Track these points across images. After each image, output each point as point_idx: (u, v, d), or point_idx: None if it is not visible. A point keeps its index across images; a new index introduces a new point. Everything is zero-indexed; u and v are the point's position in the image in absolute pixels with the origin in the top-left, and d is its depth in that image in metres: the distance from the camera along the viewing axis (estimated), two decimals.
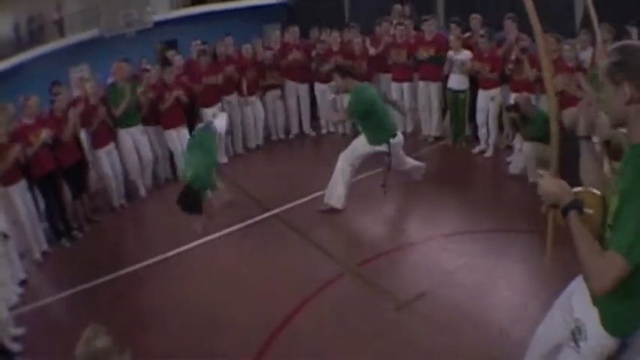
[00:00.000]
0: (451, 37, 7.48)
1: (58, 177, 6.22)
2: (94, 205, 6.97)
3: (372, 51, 8.35)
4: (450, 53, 7.43)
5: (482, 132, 7.51)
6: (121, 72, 7.15)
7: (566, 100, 5.97)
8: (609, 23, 5.92)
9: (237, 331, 4.24)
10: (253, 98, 8.63)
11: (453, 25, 7.62)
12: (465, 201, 6.27)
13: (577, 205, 1.98)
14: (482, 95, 7.26)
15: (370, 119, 5.93)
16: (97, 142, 6.83)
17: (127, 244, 6.40)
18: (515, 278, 4.64)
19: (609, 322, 2.05)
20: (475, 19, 7.63)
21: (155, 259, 5.60)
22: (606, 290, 1.84)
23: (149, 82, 7.44)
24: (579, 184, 2.20)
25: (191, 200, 5.37)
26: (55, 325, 4.79)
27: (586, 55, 6.34)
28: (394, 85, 8.41)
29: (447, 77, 7.66)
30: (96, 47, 11.47)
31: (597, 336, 2.07)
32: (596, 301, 2.09)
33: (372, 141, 5.96)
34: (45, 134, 5.84)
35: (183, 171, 5.86)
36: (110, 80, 7.37)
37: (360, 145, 6.05)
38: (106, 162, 6.87)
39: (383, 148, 5.94)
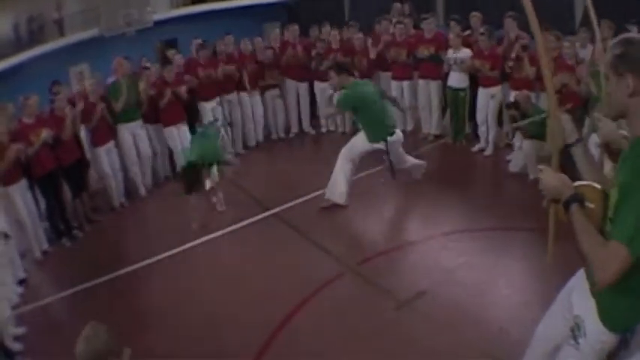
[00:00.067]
0: (451, 35, 7.47)
1: (59, 176, 6.22)
2: (94, 204, 6.97)
3: (372, 54, 8.35)
4: (449, 52, 7.42)
5: (482, 130, 7.51)
6: (122, 68, 7.16)
7: (566, 97, 5.98)
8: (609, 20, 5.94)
9: (238, 330, 4.25)
10: (253, 92, 8.64)
11: (452, 23, 7.60)
12: (464, 199, 6.27)
13: (578, 198, 1.99)
14: (483, 93, 7.26)
15: (363, 116, 5.98)
16: (97, 140, 6.83)
17: (127, 243, 6.40)
18: (515, 276, 4.65)
19: (608, 318, 2.06)
20: (475, 17, 7.62)
21: (155, 259, 5.60)
22: (610, 282, 1.85)
23: (149, 80, 7.45)
24: (580, 179, 2.20)
25: (192, 176, 5.91)
26: (55, 325, 4.80)
27: (586, 53, 6.34)
28: (394, 84, 8.41)
29: (447, 75, 7.66)
30: (96, 47, 11.46)
31: (596, 332, 2.08)
32: (596, 296, 2.09)
33: (370, 138, 5.97)
34: (45, 134, 5.84)
35: (186, 154, 6.36)
36: (111, 79, 7.37)
37: (359, 142, 6.06)
38: (105, 160, 6.87)
39: (381, 145, 5.94)
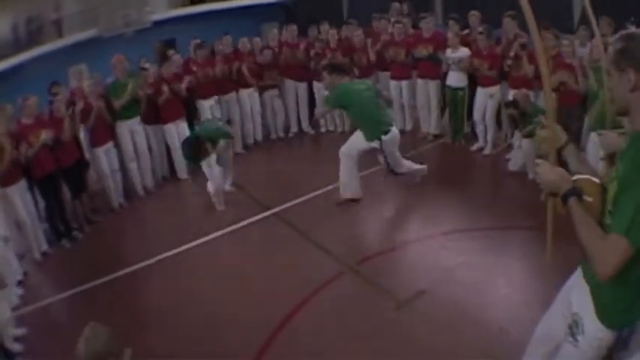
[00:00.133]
0: (449, 35, 7.47)
1: (58, 177, 6.22)
2: (93, 205, 6.97)
3: (372, 56, 8.36)
4: (448, 51, 7.42)
5: (479, 129, 7.52)
6: (121, 65, 7.17)
7: (564, 95, 5.98)
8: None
9: (237, 330, 4.25)
10: (251, 90, 8.65)
11: (451, 22, 7.60)
12: (464, 199, 6.28)
13: (576, 192, 2.00)
14: (481, 93, 7.26)
15: (354, 114, 6.05)
16: (96, 141, 6.81)
17: (126, 244, 6.40)
18: (514, 276, 4.65)
19: (606, 315, 2.07)
20: (474, 16, 7.62)
21: (155, 259, 5.60)
22: (610, 275, 1.86)
23: (147, 80, 7.45)
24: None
25: (196, 147, 6.22)
26: (55, 326, 4.80)
27: (584, 52, 6.34)
28: (393, 83, 8.42)
29: (445, 75, 7.66)
30: (94, 47, 11.44)
31: (594, 330, 2.09)
32: (594, 293, 2.10)
33: (365, 136, 5.96)
34: (45, 135, 5.84)
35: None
36: (110, 79, 7.37)
37: (356, 140, 6.05)
38: (104, 161, 6.86)
39: (375, 144, 5.93)
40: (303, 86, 8.98)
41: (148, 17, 12.27)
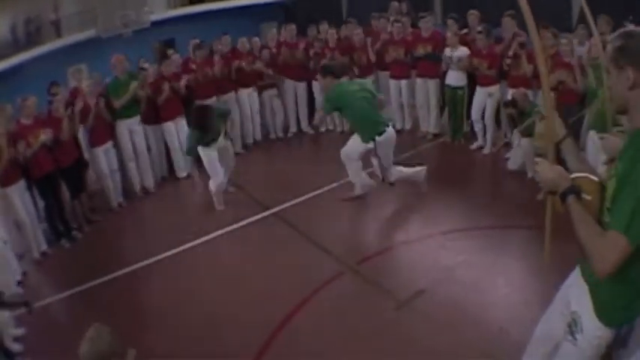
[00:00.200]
0: (448, 34, 7.47)
1: (57, 177, 6.22)
2: (92, 205, 6.96)
3: (372, 57, 8.37)
4: (447, 50, 7.43)
5: (477, 127, 7.53)
6: (121, 65, 7.18)
7: (562, 94, 5.98)
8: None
9: (237, 330, 4.25)
10: (250, 90, 8.64)
11: (450, 22, 7.60)
12: (463, 198, 6.28)
13: (575, 190, 2.01)
14: (480, 92, 7.26)
15: (349, 115, 6.01)
16: (95, 141, 6.81)
17: (126, 243, 6.39)
18: (514, 275, 4.65)
19: (604, 313, 2.07)
20: (473, 15, 7.63)
21: (154, 259, 5.60)
22: (609, 272, 1.86)
23: (146, 80, 7.45)
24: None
25: (205, 113, 6.21)
26: (55, 325, 4.80)
27: (583, 51, 6.34)
28: (392, 83, 8.43)
29: (445, 74, 7.66)
30: (93, 48, 11.43)
31: (592, 328, 2.09)
32: (592, 291, 2.10)
33: (361, 138, 5.91)
34: (44, 136, 5.84)
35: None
36: (109, 78, 7.38)
37: (353, 143, 6.01)
38: (103, 161, 6.85)
39: (371, 145, 5.86)
40: (302, 86, 8.98)
41: (146, 17, 12.26)
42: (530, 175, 6.25)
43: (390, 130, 5.92)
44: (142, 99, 7.23)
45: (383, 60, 8.39)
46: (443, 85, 7.82)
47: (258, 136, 9.07)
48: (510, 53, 6.70)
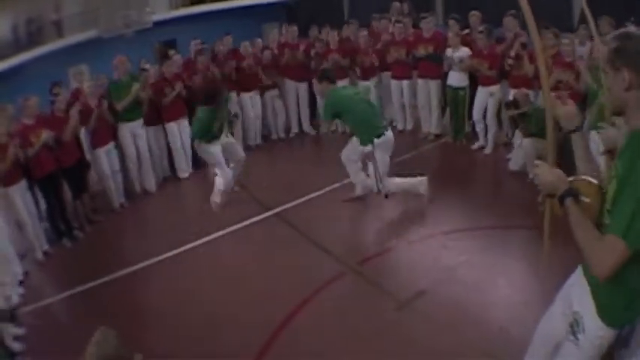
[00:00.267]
0: (450, 34, 7.48)
1: (59, 177, 6.22)
2: (94, 205, 6.97)
3: (375, 61, 8.37)
4: (448, 51, 7.43)
5: (479, 127, 7.52)
6: (124, 66, 7.18)
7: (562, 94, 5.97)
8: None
9: (238, 330, 4.24)
10: (252, 93, 8.64)
11: (451, 22, 7.60)
12: (464, 198, 6.28)
13: (573, 193, 2.01)
14: (482, 92, 7.26)
15: (348, 119, 5.94)
16: (97, 142, 6.81)
17: (127, 243, 6.39)
18: (515, 275, 4.65)
19: (606, 314, 2.06)
20: (474, 15, 7.63)
21: (155, 259, 5.60)
22: (607, 275, 1.87)
23: (148, 81, 7.45)
24: (576, 171, 2.21)
25: (216, 86, 6.24)
26: (56, 325, 4.79)
27: (584, 51, 6.34)
28: (394, 83, 8.43)
29: (446, 74, 7.66)
30: (95, 48, 11.46)
31: (595, 328, 2.09)
32: (594, 292, 2.10)
33: (360, 141, 5.84)
34: (46, 135, 5.84)
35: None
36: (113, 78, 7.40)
37: (352, 147, 5.99)
38: (105, 161, 6.85)
39: (369, 148, 5.77)
40: (303, 86, 8.99)
41: (148, 18, 12.30)
42: (531, 175, 6.25)
43: (388, 134, 5.85)
44: (143, 101, 7.23)
45: (384, 60, 8.39)
46: (444, 86, 7.82)
47: (259, 140, 9.08)
48: (512, 54, 6.70)
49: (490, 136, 7.43)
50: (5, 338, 4.23)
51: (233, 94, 8.42)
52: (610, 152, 2.43)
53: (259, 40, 9.06)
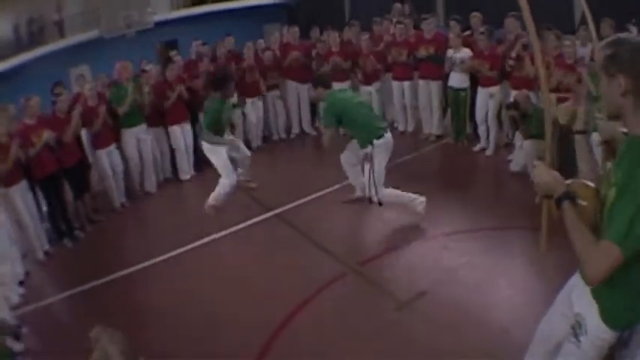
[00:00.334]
0: (451, 35, 7.48)
1: (60, 177, 6.23)
2: (95, 205, 6.98)
3: (378, 65, 8.38)
4: (450, 52, 7.43)
5: (481, 129, 7.52)
6: (126, 72, 7.17)
7: (565, 96, 5.98)
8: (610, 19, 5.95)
9: (239, 330, 4.24)
10: (255, 99, 8.65)
11: (452, 23, 7.61)
12: (465, 199, 6.28)
13: (570, 195, 2.01)
14: (482, 93, 7.26)
15: (349, 123, 5.72)
16: (99, 143, 6.83)
17: (128, 243, 6.40)
18: (516, 276, 4.64)
19: (609, 316, 2.06)
20: (475, 17, 7.63)
21: (156, 259, 5.60)
22: (599, 280, 1.87)
23: (148, 82, 7.45)
24: (576, 173, 2.22)
25: (225, 76, 6.15)
26: (57, 325, 4.80)
27: (586, 52, 6.34)
28: (395, 84, 8.44)
29: (447, 76, 7.66)
30: (96, 48, 11.49)
31: (597, 330, 2.08)
32: (596, 294, 2.10)
33: (359, 144, 5.71)
34: (47, 135, 5.85)
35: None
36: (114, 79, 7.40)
37: (353, 148, 5.96)
38: (106, 162, 6.87)
39: (368, 149, 5.62)
40: (304, 87, 8.97)
41: (149, 18, 12.32)
42: (532, 177, 6.25)
43: (388, 135, 5.67)
44: (145, 106, 7.23)
45: (386, 61, 8.39)
46: (445, 87, 7.83)
47: (259, 141, 9.08)
48: (513, 55, 6.70)
49: (491, 137, 7.43)
50: (5, 338, 4.23)
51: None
52: (606, 143, 2.43)
53: (261, 40, 9.07)
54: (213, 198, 6.25)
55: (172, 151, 7.86)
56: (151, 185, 7.56)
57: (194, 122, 7.84)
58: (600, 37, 4.13)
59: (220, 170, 6.23)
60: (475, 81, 7.37)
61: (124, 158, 7.20)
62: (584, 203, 2.04)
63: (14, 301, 5.03)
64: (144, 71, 7.86)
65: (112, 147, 6.98)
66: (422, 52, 7.86)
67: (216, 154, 6.21)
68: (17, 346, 4.35)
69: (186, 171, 7.91)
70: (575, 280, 2.33)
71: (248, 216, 6.29)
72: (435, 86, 7.99)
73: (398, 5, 9.31)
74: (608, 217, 1.93)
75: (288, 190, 6.88)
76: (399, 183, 6.40)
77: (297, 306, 4.45)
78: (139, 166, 7.35)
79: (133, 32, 12.08)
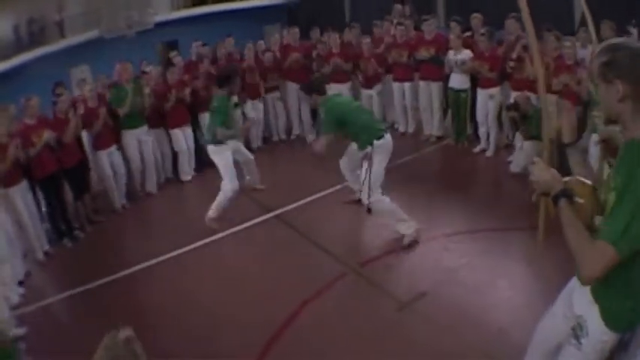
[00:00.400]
0: (451, 36, 7.49)
1: (60, 177, 6.23)
2: (95, 206, 6.98)
3: (379, 68, 8.40)
4: (450, 53, 7.43)
5: (482, 131, 7.53)
6: (127, 73, 7.17)
7: (566, 97, 5.98)
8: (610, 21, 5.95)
9: (240, 330, 4.25)
10: (255, 101, 8.66)
11: (453, 24, 7.62)
12: (466, 200, 6.28)
13: (567, 193, 2.01)
14: (482, 94, 7.27)
15: (349, 126, 5.54)
16: (99, 145, 6.83)
17: (129, 244, 6.41)
18: (516, 277, 4.65)
19: (610, 318, 2.06)
20: (476, 18, 7.63)
21: (156, 260, 5.60)
22: (593, 279, 1.89)
23: (149, 84, 7.46)
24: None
25: (232, 72, 6.21)
26: (57, 325, 4.80)
27: (586, 53, 6.35)
28: (395, 85, 8.44)
29: (448, 77, 7.67)
30: (96, 48, 11.49)
31: (598, 332, 2.08)
32: (597, 295, 2.10)
33: (358, 146, 5.57)
34: (47, 135, 5.85)
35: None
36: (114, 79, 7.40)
37: (352, 152, 5.92)
38: (107, 163, 6.87)
39: (368, 150, 5.46)
40: None
41: (150, 19, 12.31)
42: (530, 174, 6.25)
43: (388, 137, 5.51)
44: (145, 108, 7.23)
45: (386, 63, 8.40)
46: (446, 88, 7.83)
47: (259, 143, 9.09)
48: (514, 56, 6.70)
49: (492, 138, 7.43)
50: (9, 334, 4.23)
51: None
52: (605, 142, 2.43)
53: (261, 42, 9.07)
54: (214, 208, 6.14)
55: (174, 153, 7.87)
56: (152, 186, 7.57)
57: (195, 124, 7.84)
58: (600, 39, 4.14)
59: (223, 173, 6.13)
60: (475, 82, 7.37)
61: (126, 159, 7.20)
62: (581, 201, 2.04)
63: (14, 301, 5.04)
64: (144, 73, 7.86)
65: (113, 148, 6.98)
66: (422, 54, 7.87)
67: (221, 156, 6.15)
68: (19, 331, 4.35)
69: (188, 172, 7.92)
70: (576, 281, 2.33)
71: (248, 217, 6.29)
72: (435, 87, 8.00)
73: (398, 6, 9.32)
74: (607, 217, 1.93)
75: (288, 190, 6.88)
76: (400, 184, 6.43)
77: (298, 306, 4.45)
78: (140, 166, 7.35)
79: (133, 33, 12.08)
